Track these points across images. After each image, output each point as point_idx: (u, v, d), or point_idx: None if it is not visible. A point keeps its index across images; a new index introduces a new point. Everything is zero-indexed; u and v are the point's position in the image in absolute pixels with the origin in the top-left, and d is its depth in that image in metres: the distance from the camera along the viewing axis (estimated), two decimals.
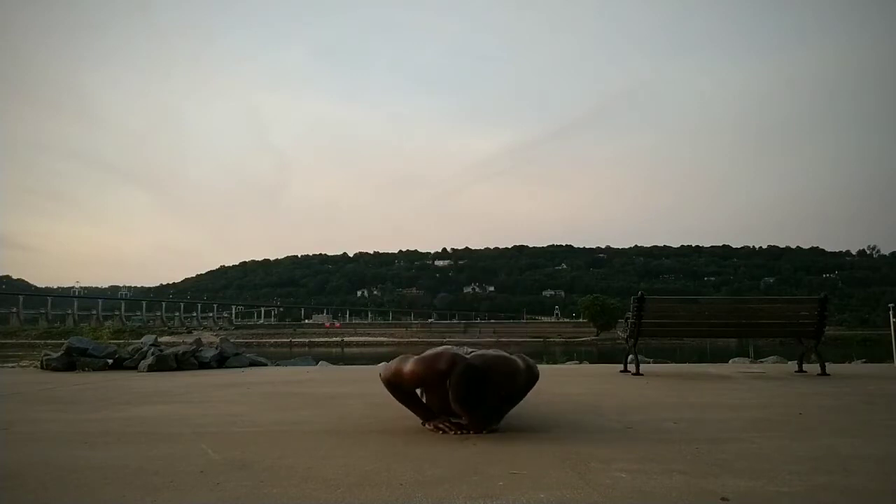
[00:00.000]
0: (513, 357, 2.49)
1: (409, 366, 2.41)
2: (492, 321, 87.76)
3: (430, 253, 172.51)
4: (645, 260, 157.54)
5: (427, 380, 2.39)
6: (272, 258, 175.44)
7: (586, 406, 3.27)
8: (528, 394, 2.58)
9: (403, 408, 2.55)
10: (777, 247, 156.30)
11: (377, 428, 2.57)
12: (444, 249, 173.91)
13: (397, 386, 2.48)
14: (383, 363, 3.08)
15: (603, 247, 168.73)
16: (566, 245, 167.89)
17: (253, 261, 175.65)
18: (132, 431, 2.54)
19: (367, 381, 4.64)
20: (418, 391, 2.62)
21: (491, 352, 2.47)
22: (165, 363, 5.78)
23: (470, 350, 2.46)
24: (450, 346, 2.52)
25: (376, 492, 1.59)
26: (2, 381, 4.84)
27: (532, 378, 2.55)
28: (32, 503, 1.55)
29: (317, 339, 47.43)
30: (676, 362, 7.87)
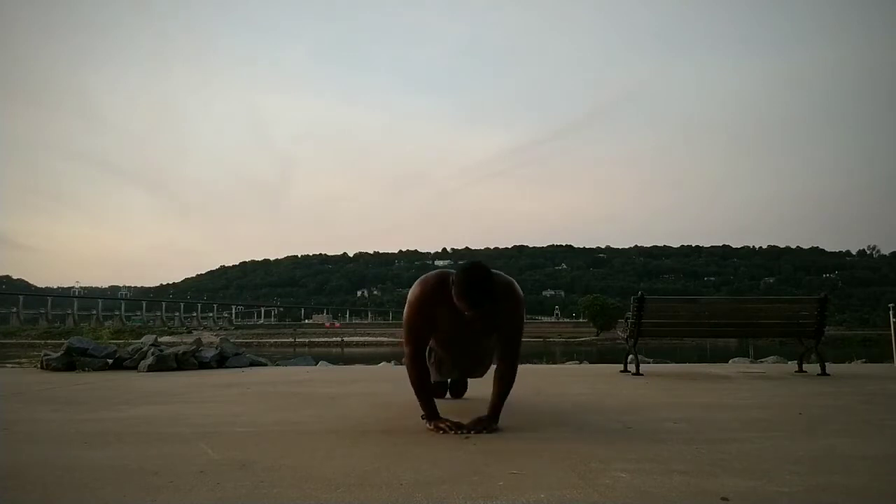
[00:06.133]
0: None
1: (408, 301, 2.42)
2: None
3: (430, 253, 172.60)
4: (645, 260, 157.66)
5: (425, 300, 2.39)
6: (272, 258, 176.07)
7: (586, 406, 3.26)
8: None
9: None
10: (777, 247, 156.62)
11: (377, 428, 2.56)
12: (444, 249, 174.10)
13: (415, 349, 2.45)
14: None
15: (603, 247, 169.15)
16: (566, 245, 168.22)
17: (253, 261, 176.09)
18: (132, 431, 2.54)
19: (367, 381, 4.64)
20: (430, 363, 2.58)
21: None
22: (165, 363, 5.77)
23: None
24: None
25: (376, 492, 1.59)
26: (2, 381, 4.84)
27: (522, 324, 2.54)
28: (32, 503, 1.55)
29: (317, 339, 47.38)
30: (676, 362, 7.88)
